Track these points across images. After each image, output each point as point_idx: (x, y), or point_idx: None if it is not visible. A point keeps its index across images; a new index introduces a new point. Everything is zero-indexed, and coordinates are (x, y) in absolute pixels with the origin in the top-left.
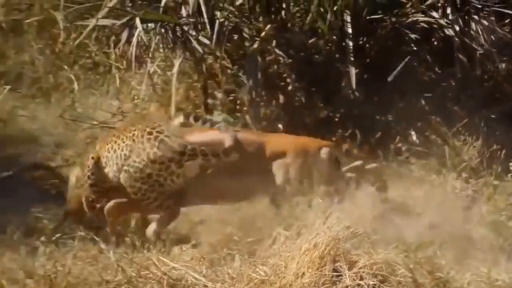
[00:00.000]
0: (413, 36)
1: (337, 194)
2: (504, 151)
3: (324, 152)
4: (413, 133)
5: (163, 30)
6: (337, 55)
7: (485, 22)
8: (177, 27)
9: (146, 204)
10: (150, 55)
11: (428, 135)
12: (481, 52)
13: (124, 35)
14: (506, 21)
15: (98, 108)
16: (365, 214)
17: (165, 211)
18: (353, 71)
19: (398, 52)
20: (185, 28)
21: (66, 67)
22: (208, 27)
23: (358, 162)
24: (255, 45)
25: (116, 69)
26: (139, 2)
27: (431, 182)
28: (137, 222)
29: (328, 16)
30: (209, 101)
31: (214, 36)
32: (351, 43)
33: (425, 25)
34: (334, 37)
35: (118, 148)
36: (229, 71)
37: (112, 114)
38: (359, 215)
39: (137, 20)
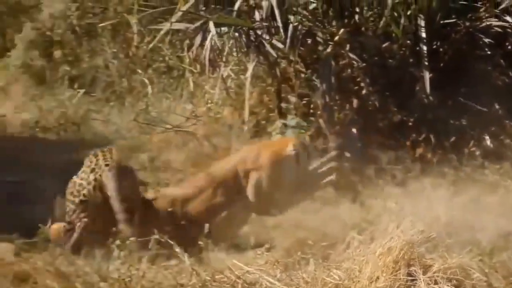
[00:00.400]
0: (486, 40)
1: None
2: None
3: (290, 148)
4: (487, 137)
5: (236, 34)
6: (411, 60)
7: None
8: (251, 31)
9: None
10: (224, 59)
11: (502, 139)
12: None
13: (198, 39)
14: None
15: (172, 112)
16: (439, 218)
17: None
18: (427, 75)
19: (471, 57)
20: (259, 32)
21: (140, 70)
22: (281, 31)
23: (332, 154)
24: (329, 49)
25: (189, 73)
26: (213, 6)
27: (506, 187)
28: (210, 226)
29: (402, 21)
30: (283, 105)
31: (288, 40)
32: (425, 48)
33: (499, 30)
34: (408, 42)
35: None
36: (302, 75)
37: (186, 118)
38: (432, 218)
39: (211, 24)
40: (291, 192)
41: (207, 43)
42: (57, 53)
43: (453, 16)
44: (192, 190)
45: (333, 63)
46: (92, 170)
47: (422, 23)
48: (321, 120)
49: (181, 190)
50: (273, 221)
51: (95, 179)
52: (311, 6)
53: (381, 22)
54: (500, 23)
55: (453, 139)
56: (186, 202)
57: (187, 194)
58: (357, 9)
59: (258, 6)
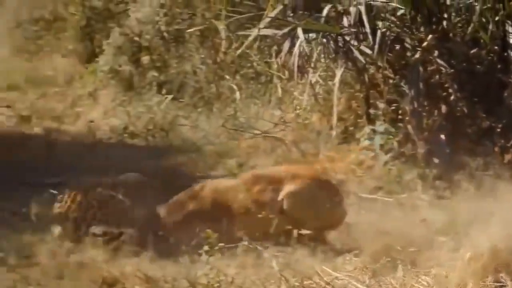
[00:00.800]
0: None
1: None
2: None
3: None
4: None
5: (324, 40)
6: (499, 66)
7: None
8: (339, 37)
9: None
10: (312, 65)
11: None
12: None
13: (286, 45)
14: None
15: (260, 118)
16: None
17: None
18: None
19: None
20: (347, 38)
21: (228, 76)
22: (369, 37)
23: None
24: (417, 55)
25: (278, 79)
26: (301, 12)
27: None
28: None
29: (490, 26)
30: (371, 111)
31: (376, 46)
32: None
33: None
34: (496, 47)
35: None
36: (391, 81)
37: (274, 123)
38: None
39: (299, 30)
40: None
41: (296, 49)
42: (145, 59)
43: None
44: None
45: (421, 69)
46: None
47: (510, 29)
48: (409, 126)
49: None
50: (361, 227)
51: None
52: (399, 12)
53: (469, 28)
54: None
55: None
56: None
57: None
58: (445, 15)
59: (346, 12)
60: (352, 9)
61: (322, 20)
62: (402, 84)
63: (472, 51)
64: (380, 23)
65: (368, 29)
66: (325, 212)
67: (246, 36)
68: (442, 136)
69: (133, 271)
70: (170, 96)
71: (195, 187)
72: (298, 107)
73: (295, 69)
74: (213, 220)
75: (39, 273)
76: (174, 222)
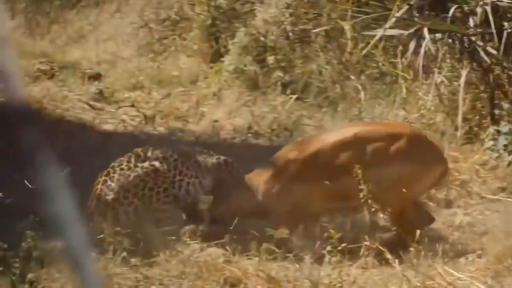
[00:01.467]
0: None
1: None
2: None
3: None
4: None
5: (450, 41)
6: None
7: None
8: (465, 37)
9: None
10: (437, 65)
11: None
12: None
13: (412, 45)
14: None
15: (384, 118)
16: None
17: None
18: None
19: None
20: (473, 38)
21: (353, 76)
22: (495, 37)
23: None
24: None
25: (402, 79)
26: (427, 12)
27: None
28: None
29: None
30: (496, 111)
31: (502, 47)
32: None
33: None
34: None
35: None
36: None
37: None
38: None
39: (425, 31)
40: None
41: (421, 49)
42: (271, 59)
43: None
44: None
45: None
46: None
47: None
48: None
49: None
50: (483, 227)
51: None
52: None
53: None
54: None
55: None
56: None
57: None
58: None
59: (472, 12)
60: (478, 10)
61: (448, 20)
62: None
63: None
64: (506, 24)
65: (494, 30)
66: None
67: (372, 36)
68: None
69: (255, 271)
70: (294, 96)
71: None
72: (422, 108)
73: (420, 69)
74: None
75: (162, 273)
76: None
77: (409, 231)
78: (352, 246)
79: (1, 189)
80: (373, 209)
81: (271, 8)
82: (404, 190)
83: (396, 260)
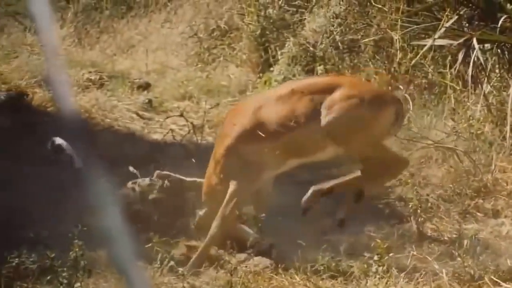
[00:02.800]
0: None
1: None
2: None
3: None
4: None
5: (499, 51)
6: None
7: None
8: None
9: None
10: (486, 75)
11: None
12: None
13: (461, 56)
14: None
15: (432, 128)
16: None
17: None
18: None
19: None
20: None
21: (401, 86)
22: None
23: None
24: None
25: (451, 89)
26: (476, 22)
27: None
28: None
29: None
30: None
31: None
32: None
33: None
34: None
35: None
36: None
37: (446, 134)
38: None
39: (474, 41)
40: None
41: (471, 59)
42: (319, 69)
43: None
44: None
45: None
46: None
47: None
48: None
49: None
50: None
51: None
52: None
53: None
54: None
55: None
56: None
57: None
58: None
59: None
60: None
61: (497, 30)
62: None
63: None
64: None
65: None
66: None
67: (421, 46)
68: None
69: (303, 281)
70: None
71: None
72: (471, 118)
73: (469, 79)
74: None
75: (209, 282)
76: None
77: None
78: (398, 256)
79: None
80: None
81: (320, 18)
82: (357, 133)
83: (443, 270)
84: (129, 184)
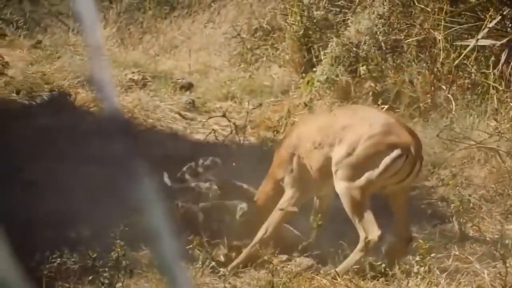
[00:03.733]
0: None
1: None
2: None
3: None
4: None
5: None
6: None
7: None
8: None
9: None
10: None
11: None
12: None
13: (504, 56)
14: None
15: (475, 128)
16: None
17: None
18: None
19: None
20: None
21: (444, 87)
22: None
23: None
24: None
25: (494, 89)
26: None
27: None
28: None
29: None
30: None
31: None
32: None
33: None
34: None
35: None
36: None
37: (489, 134)
38: None
39: None
40: None
41: None
42: (363, 69)
43: None
44: None
45: None
46: None
47: None
48: None
49: None
50: None
51: None
52: None
53: None
54: None
55: None
56: None
57: None
58: None
59: None
60: None
61: None
62: None
63: None
64: None
65: None
66: None
67: (464, 47)
68: None
69: (344, 281)
70: (386, 106)
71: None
72: None
73: None
74: None
75: (250, 282)
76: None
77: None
78: (440, 256)
79: (91, 196)
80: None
81: (364, 19)
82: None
83: (485, 271)
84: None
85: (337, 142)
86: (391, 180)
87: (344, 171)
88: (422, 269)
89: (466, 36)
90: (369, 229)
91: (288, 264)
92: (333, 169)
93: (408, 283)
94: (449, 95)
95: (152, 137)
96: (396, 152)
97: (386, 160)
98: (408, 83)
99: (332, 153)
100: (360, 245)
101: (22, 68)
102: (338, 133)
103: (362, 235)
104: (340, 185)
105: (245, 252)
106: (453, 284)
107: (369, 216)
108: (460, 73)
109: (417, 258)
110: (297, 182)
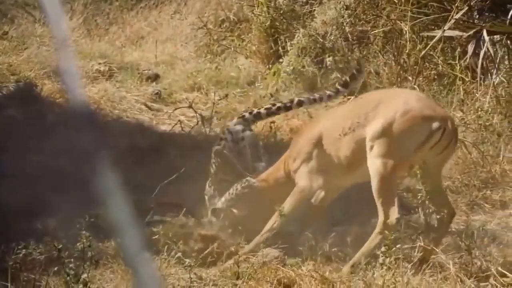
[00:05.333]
0: None
1: None
2: None
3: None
4: None
5: (509, 42)
6: None
7: None
8: None
9: None
10: (496, 67)
11: None
12: None
13: (470, 47)
14: None
15: None
16: None
17: None
18: None
19: None
20: None
21: (410, 78)
22: None
23: None
24: None
25: (460, 80)
26: (486, 14)
27: None
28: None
29: None
30: None
31: None
32: None
33: None
34: None
35: None
36: None
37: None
38: None
39: (484, 32)
40: None
41: (482, 51)
42: (329, 60)
43: None
44: None
45: None
46: None
47: None
48: None
49: None
50: None
51: None
52: None
53: None
54: None
55: None
56: None
57: None
58: None
59: None
60: None
61: (507, 22)
62: None
63: None
64: None
65: None
66: None
67: (431, 38)
68: None
69: (309, 272)
70: (352, 97)
71: None
72: (480, 109)
73: (479, 71)
74: None
75: (216, 273)
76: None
77: None
78: (406, 247)
79: (57, 188)
80: None
81: (330, 10)
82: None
83: (451, 262)
84: None
85: (370, 120)
86: (429, 153)
87: (380, 146)
88: (387, 260)
89: (433, 27)
90: (390, 212)
91: (254, 255)
92: (368, 145)
93: (373, 274)
94: (415, 86)
95: (118, 128)
96: (435, 125)
97: (425, 132)
98: (375, 74)
99: (365, 133)
100: (378, 227)
101: None
102: (370, 112)
103: (381, 217)
104: (375, 162)
105: (253, 242)
106: (418, 275)
107: (393, 198)
108: (427, 64)
109: (383, 249)
110: (315, 174)
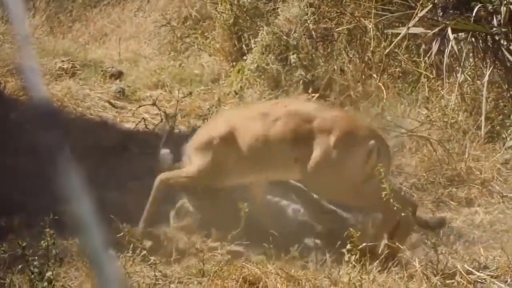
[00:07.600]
0: None
1: None
2: None
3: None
4: None
5: (474, 40)
6: None
7: None
8: (488, 36)
9: None
10: (461, 64)
11: None
12: None
13: (435, 45)
14: None
15: (406, 117)
16: None
17: None
18: None
19: None
20: (496, 37)
21: (375, 75)
22: None
23: None
24: None
25: (425, 78)
26: (451, 11)
27: None
28: None
29: None
30: None
31: None
32: None
33: None
34: None
35: None
36: None
37: (420, 122)
38: None
39: (449, 30)
40: None
41: (447, 49)
42: (293, 57)
43: None
44: None
45: None
46: None
47: None
48: None
49: None
50: (504, 227)
51: None
52: None
53: None
54: None
55: None
56: None
57: None
58: None
59: (496, 12)
60: (502, 9)
61: (472, 19)
62: None
63: None
64: None
65: None
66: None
67: (395, 35)
68: None
69: (275, 270)
70: (316, 95)
71: None
72: (445, 106)
73: (444, 68)
74: None
75: (181, 271)
76: None
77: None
78: (372, 244)
79: (21, 186)
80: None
81: (294, 7)
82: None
83: (416, 259)
84: None
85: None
86: None
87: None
88: (353, 257)
89: (397, 24)
90: None
91: (219, 253)
92: None
93: (339, 271)
94: (380, 84)
95: (81, 126)
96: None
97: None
98: (339, 71)
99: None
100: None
101: None
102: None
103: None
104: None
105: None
106: (384, 273)
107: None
108: (391, 61)
109: (348, 247)
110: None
